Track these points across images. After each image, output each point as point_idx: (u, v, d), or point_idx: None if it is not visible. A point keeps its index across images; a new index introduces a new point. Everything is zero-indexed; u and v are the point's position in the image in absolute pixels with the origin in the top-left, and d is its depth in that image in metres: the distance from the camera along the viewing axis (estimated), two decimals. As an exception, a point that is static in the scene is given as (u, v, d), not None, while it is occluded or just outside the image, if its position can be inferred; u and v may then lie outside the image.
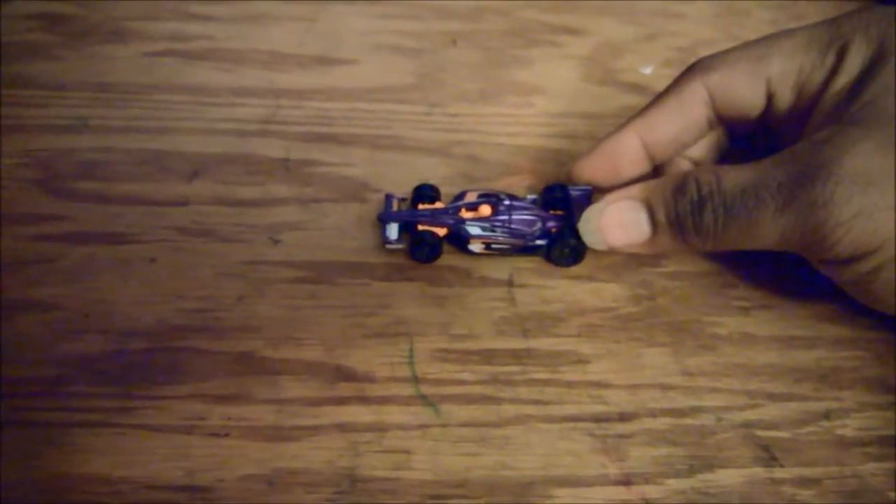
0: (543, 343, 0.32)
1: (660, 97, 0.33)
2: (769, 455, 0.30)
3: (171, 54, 0.45)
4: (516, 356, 0.32)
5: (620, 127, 0.34)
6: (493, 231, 0.34)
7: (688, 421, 0.30)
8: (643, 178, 0.34)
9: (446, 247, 0.35)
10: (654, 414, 0.30)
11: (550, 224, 0.35)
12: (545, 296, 0.34)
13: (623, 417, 0.30)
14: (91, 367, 0.30)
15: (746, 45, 0.32)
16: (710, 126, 0.33)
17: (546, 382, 0.31)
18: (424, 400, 0.30)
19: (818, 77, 0.30)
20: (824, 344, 0.34)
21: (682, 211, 0.29)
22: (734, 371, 0.32)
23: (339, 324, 0.32)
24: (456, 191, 0.36)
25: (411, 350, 0.31)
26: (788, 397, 0.32)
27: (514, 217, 0.34)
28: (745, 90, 0.32)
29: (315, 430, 0.29)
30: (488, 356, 0.32)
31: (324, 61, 0.46)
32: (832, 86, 0.30)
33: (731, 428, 0.30)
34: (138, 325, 0.31)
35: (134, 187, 0.37)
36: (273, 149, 0.40)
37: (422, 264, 0.35)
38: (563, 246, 0.34)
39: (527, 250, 0.35)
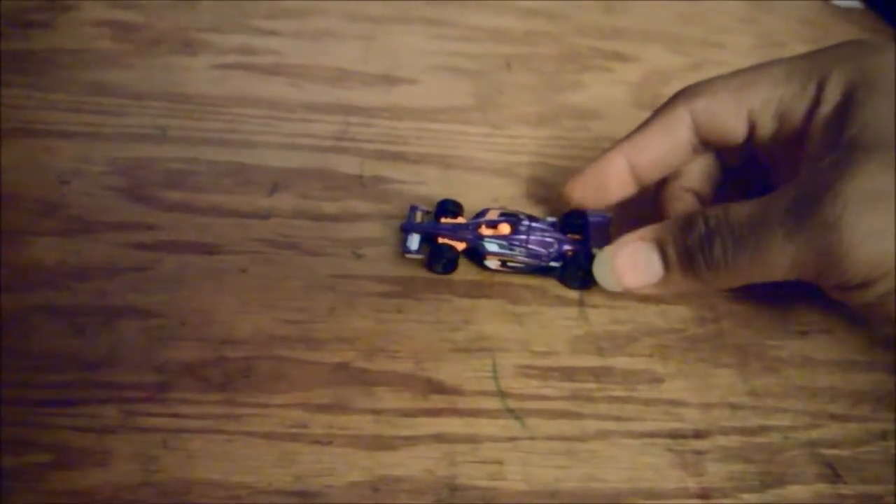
0: (618, 362, 0.34)
1: (646, 121, 0.35)
2: (833, 472, 0.31)
3: (240, 67, 0.47)
4: (594, 374, 0.33)
5: (608, 150, 0.36)
6: (510, 249, 0.36)
7: (757, 439, 0.32)
8: (629, 199, 0.37)
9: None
10: (725, 432, 0.32)
11: (566, 247, 0.36)
12: (616, 316, 0.36)
13: (698, 434, 0.32)
14: (194, 374, 0.31)
15: (730, 75, 0.34)
16: (695, 150, 0.35)
17: (623, 400, 0.32)
18: (512, 413, 0.31)
19: (800, 107, 0.32)
20: (881, 367, 0.35)
21: (692, 246, 0.30)
22: (797, 392, 0.34)
23: (426, 337, 0.33)
24: (525, 211, 0.38)
25: (495, 365, 0.33)
26: (848, 418, 0.33)
27: (531, 238, 0.36)
28: (727, 117, 0.33)
29: (413, 439, 0.30)
30: (568, 373, 0.33)
31: (387, 80, 0.48)
32: (818, 115, 0.31)
33: (797, 446, 0.32)
34: (235, 333, 0.32)
35: (219, 198, 0.38)
36: (348, 165, 0.41)
37: (497, 280, 0.37)
38: (575, 269, 0.36)
39: (541, 271, 0.36)
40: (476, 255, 0.36)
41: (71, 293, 0.33)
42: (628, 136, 0.36)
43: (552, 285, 0.37)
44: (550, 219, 0.38)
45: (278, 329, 0.33)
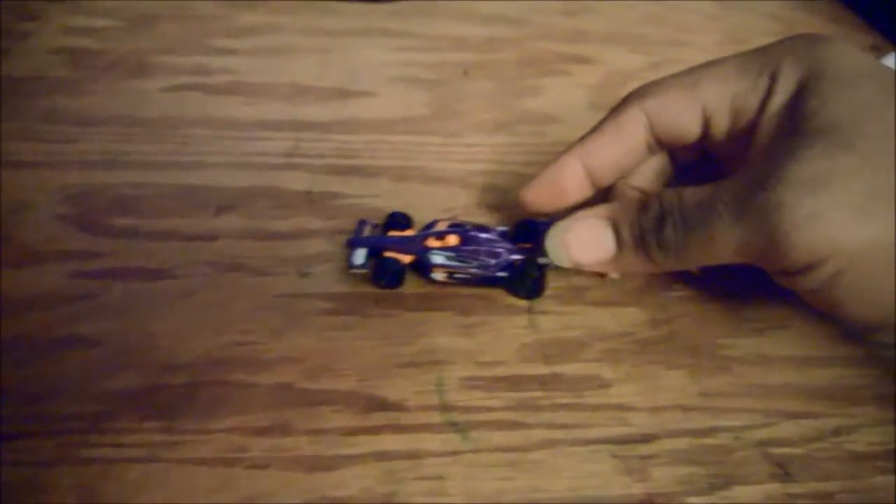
0: (566, 368, 0.34)
1: (600, 123, 0.35)
2: (784, 471, 0.31)
3: (195, 88, 0.47)
4: (541, 382, 0.33)
5: (562, 153, 0.35)
6: (457, 261, 0.35)
7: (707, 440, 0.32)
8: (587, 202, 0.36)
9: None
10: (674, 434, 0.32)
11: (515, 257, 0.36)
12: (566, 322, 0.35)
13: (645, 438, 0.31)
14: (135, 402, 0.31)
15: (683, 73, 0.34)
16: (650, 150, 0.35)
17: (570, 407, 0.32)
18: (455, 427, 0.31)
19: (753, 101, 0.32)
20: (837, 363, 0.35)
21: (646, 227, 0.30)
22: (750, 391, 0.33)
23: (372, 354, 0.33)
24: (478, 220, 0.38)
25: (441, 378, 0.33)
26: (802, 415, 0.33)
27: (479, 248, 0.36)
28: (680, 115, 0.33)
29: (353, 458, 0.30)
30: (514, 382, 0.33)
31: (343, 94, 0.48)
32: (769, 108, 0.31)
33: (748, 446, 0.31)
34: (179, 359, 0.32)
35: (166, 222, 0.38)
36: (297, 182, 0.41)
37: (450, 292, 0.37)
38: (523, 279, 0.36)
39: (489, 281, 0.36)
40: (422, 267, 0.36)
41: (16, 325, 0.33)
42: (582, 139, 0.35)
43: (501, 294, 0.36)
44: (502, 228, 0.38)
45: (222, 352, 0.33)
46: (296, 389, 0.32)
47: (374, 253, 0.36)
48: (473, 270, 0.35)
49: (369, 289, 0.36)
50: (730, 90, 0.32)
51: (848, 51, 0.31)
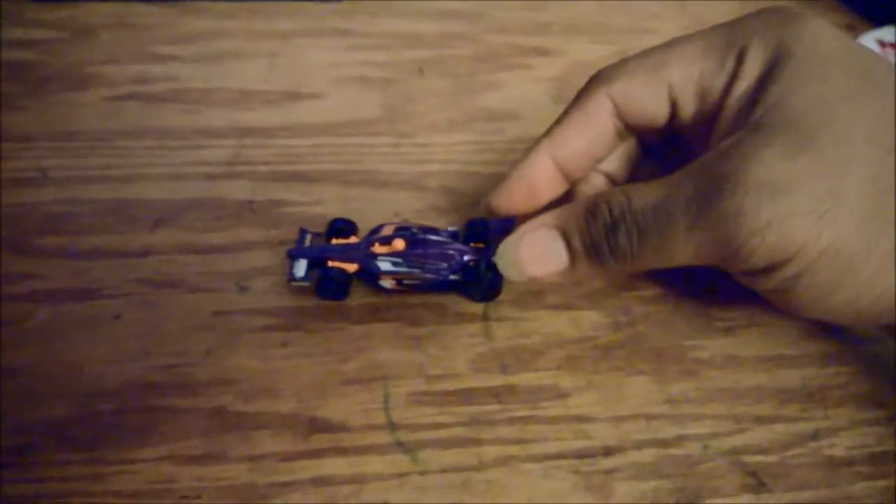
0: (523, 378, 0.32)
1: (565, 113, 0.33)
2: (757, 481, 0.29)
3: (134, 98, 0.45)
4: (495, 394, 0.31)
5: (529, 150, 0.33)
6: (405, 267, 0.33)
7: (673, 451, 0.30)
8: (563, 199, 0.34)
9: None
10: (638, 446, 0.30)
11: (467, 258, 0.34)
12: (523, 328, 0.33)
13: (607, 452, 0.29)
14: (59, 433, 0.29)
15: (645, 53, 0.32)
16: (620, 137, 0.33)
17: (527, 420, 0.30)
18: (402, 447, 0.29)
19: (719, 82, 0.30)
20: (811, 361, 0.33)
21: (597, 235, 0.28)
22: (719, 395, 0.32)
23: (313, 372, 0.31)
24: (432, 224, 0.36)
25: (387, 395, 0.31)
26: (775, 419, 0.31)
27: (428, 251, 0.33)
28: (647, 98, 0.31)
29: (291, 485, 0.28)
30: (467, 396, 0.31)
31: (289, 97, 0.46)
32: (734, 91, 0.29)
33: (717, 455, 0.30)
34: (106, 385, 0.30)
35: (98, 240, 0.36)
36: (239, 191, 0.39)
37: (391, 302, 0.35)
38: (477, 281, 0.34)
39: (441, 286, 0.34)
40: (369, 275, 0.34)
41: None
42: (548, 132, 0.33)
43: (453, 301, 0.34)
44: (452, 228, 0.36)
45: (151, 377, 0.31)
46: (230, 413, 0.30)
47: (317, 263, 0.34)
48: (424, 276, 0.33)
49: (313, 301, 0.34)
50: (696, 71, 0.30)
51: (822, 30, 0.29)
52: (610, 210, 0.28)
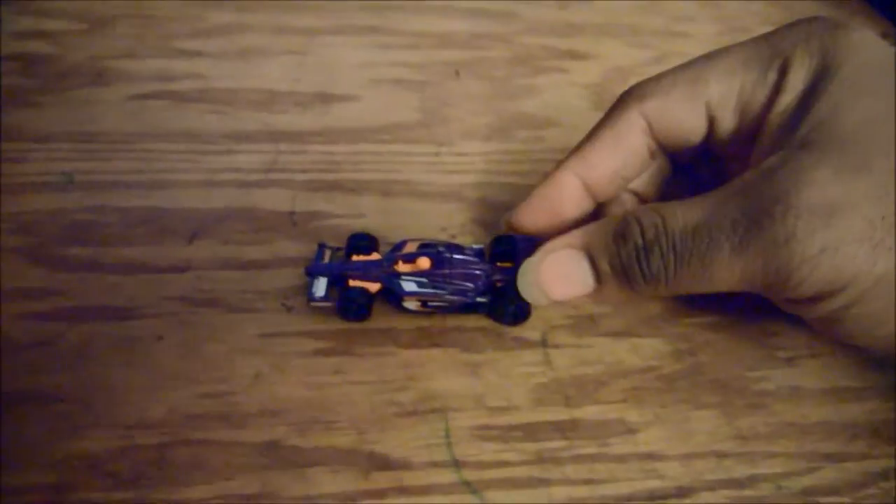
0: (587, 412, 0.30)
1: (595, 130, 0.31)
2: (834, 525, 0.27)
3: (159, 97, 0.43)
4: (560, 429, 0.29)
5: (556, 168, 0.31)
6: (431, 288, 0.31)
7: (747, 492, 0.28)
8: (587, 219, 0.32)
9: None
10: (711, 487, 0.28)
11: (495, 278, 0.32)
12: (583, 356, 0.32)
13: (681, 493, 0.28)
14: (99, 469, 0.27)
15: (682, 67, 0.30)
16: (652, 156, 0.31)
17: (594, 458, 0.29)
18: (468, 487, 0.27)
19: (760, 96, 0.28)
20: (874, 394, 0.32)
21: (627, 258, 0.27)
22: (787, 431, 0.30)
23: (368, 402, 0.30)
24: (473, 239, 0.34)
25: (447, 429, 0.29)
26: (845, 457, 0.30)
27: (454, 272, 0.31)
28: (683, 115, 0.30)
29: (353, 530, 0.26)
30: (531, 431, 0.29)
31: (321, 98, 0.44)
32: (777, 105, 0.28)
33: (791, 496, 0.28)
34: (148, 416, 0.28)
35: (131, 252, 0.34)
36: (276, 201, 0.37)
37: (442, 326, 0.33)
38: (506, 303, 0.32)
39: (468, 308, 0.32)
40: (392, 296, 0.32)
41: (-42, 379, 0.29)
42: (578, 150, 0.31)
43: (510, 327, 0.32)
44: (477, 246, 0.34)
45: (196, 406, 0.29)
46: (284, 448, 0.28)
47: (338, 282, 0.32)
48: (450, 297, 0.31)
49: (361, 323, 0.32)
50: (736, 85, 0.29)
51: (866, 41, 0.27)
52: (642, 231, 0.26)
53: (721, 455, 0.29)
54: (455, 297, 0.31)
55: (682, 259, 0.26)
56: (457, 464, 0.28)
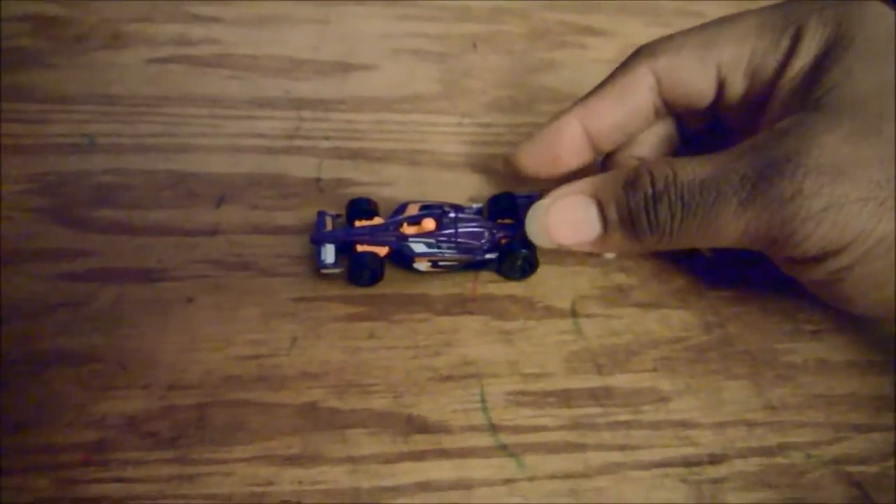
0: (620, 380, 0.30)
1: (604, 82, 0.32)
2: (862, 492, 0.28)
3: (177, 61, 0.42)
4: (594, 396, 0.30)
5: (561, 113, 0.32)
6: (438, 248, 0.32)
7: (778, 460, 0.29)
8: (585, 170, 0.32)
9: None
10: (743, 454, 0.29)
11: (499, 235, 0.32)
12: (613, 326, 0.32)
13: (714, 460, 0.28)
14: (138, 429, 0.27)
15: (695, 29, 0.30)
16: (657, 114, 0.32)
17: (629, 424, 0.29)
18: (506, 451, 0.28)
19: (772, 62, 0.29)
20: (899, 367, 0.32)
21: (636, 206, 0.27)
22: (815, 402, 0.31)
23: (404, 366, 0.30)
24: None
25: (483, 394, 0.29)
26: (872, 428, 0.30)
27: (460, 230, 0.32)
28: (694, 76, 0.30)
29: (396, 490, 0.26)
30: (565, 397, 0.29)
31: (343, 67, 0.43)
32: (788, 70, 0.28)
33: (821, 465, 0.29)
34: (184, 377, 0.28)
35: (158, 214, 0.34)
36: (302, 167, 0.37)
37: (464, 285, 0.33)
38: (514, 258, 0.32)
39: (476, 265, 0.33)
40: (402, 258, 0.32)
41: (-10, 338, 0.28)
42: (584, 99, 0.32)
43: (540, 295, 0.33)
44: (476, 205, 0.34)
45: (233, 368, 0.29)
46: (322, 409, 0.28)
47: (346, 248, 0.32)
48: (459, 256, 0.32)
49: (392, 289, 0.32)
50: (748, 49, 0.29)
51: (882, 12, 0.28)
52: (653, 181, 0.27)
53: (752, 424, 0.30)
54: (464, 256, 0.32)
55: (689, 210, 0.26)
56: (493, 428, 0.28)
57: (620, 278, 0.34)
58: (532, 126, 0.41)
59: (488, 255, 0.32)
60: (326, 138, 0.38)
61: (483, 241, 0.32)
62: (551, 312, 0.32)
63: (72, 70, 0.41)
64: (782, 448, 0.29)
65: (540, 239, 0.30)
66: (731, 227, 0.26)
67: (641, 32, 0.49)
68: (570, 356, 0.31)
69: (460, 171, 0.38)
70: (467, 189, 0.37)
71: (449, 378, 0.29)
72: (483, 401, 0.29)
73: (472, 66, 0.45)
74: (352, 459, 0.27)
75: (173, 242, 0.33)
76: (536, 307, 0.32)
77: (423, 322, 0.31)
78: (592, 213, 0.28)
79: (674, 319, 0.33)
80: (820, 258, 0.26)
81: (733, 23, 0.30)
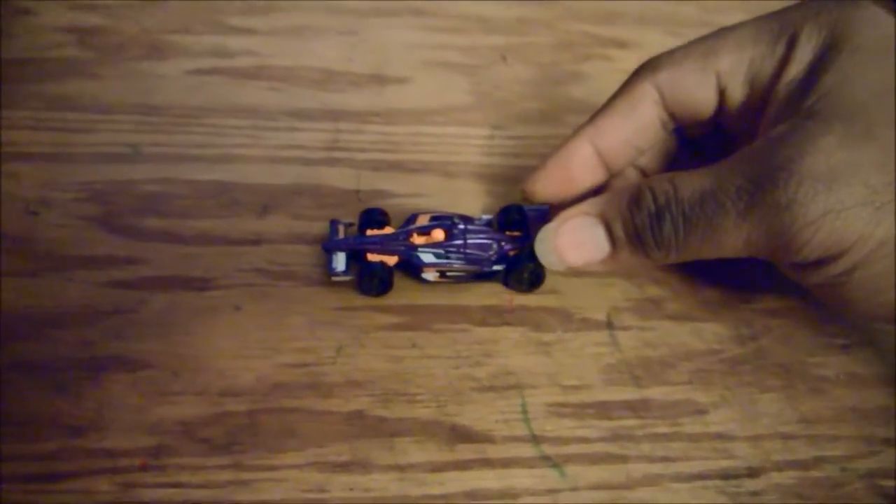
0: (657, 392, 0.31)
1: (610, 101, 0.32)
2: (895, 506, 0.28)
3: (216, 72, 0.43)
4: (633, 408, 0.30)
5: (571, 136, 0.33)
6: (447, 258, 0.32)
7: (813, 473, 0.30)
8: (600, 188, 0.33)
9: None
10: (779, 467, 0.29)
11: (507, 247, 0.33)
12: (647, 339, 0.33)
13: (751, 473, 0.29)
14: (193, 434, 0.28)
15: (694, 42, 0.31)
16: (664, 127, 0.32)
17: (668, 437, 0.30)
18: (549, 461, 0.28)
19: (769, 68, 0.29)
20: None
21: (641, 224, 0.28)
22: (848, 416, 0.32)
23: (446, 376, 0.30)
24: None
25: (524, 404, 0.30)
26: (902, 441, 0.30)
27: (469, 241, 0.32)
28: (695, 86, 0.31)
29: (445, 498, 0.27)
30: (604, 409, 0.30)
31: (376, 79, 0.44)
32: (784, 77, 0.29)
33: (856, 479, 0.30)
34: (236, 383, 0.29)
35: (204, 224, 0.35)
36: (341, 179, 0.38)
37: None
38: (521, 271, 0.33)
39: (484, 276, 0.33)
40: (411, 268, 0.33)
41: (48, 345, 0.30)
42: (592, 120, 0.33)
43: (575, 307, 0.34)
44: (486, 216, 0.35)
45: (282, 375, 0.30)
46: (369, 417, 0.29)
47: (356, 256, 0.33)
48: (467, 267, 0.32)
49: (434, 299, 0.33)
50: (746, 57, 0.30)
51: (876, 17, 0.28)
52: (654, 198, 0.27)
53: (787, 437, 0.30)
54: (472, 267, 0.33)
55: (691, 224, 0.27)
56: (535, 438, 0.29)
57: (653, 290, 0.35)
58: (561, 138, 0.41)
59: (496, 267, 0.33)
60: (362, 150, 0.39)
61: (491, 252, 0.33)
62: (587, 324, 0.33)
63: (114, 80, 0.42)
64: (817, 461, 0.30)
65: (550, 261, 0.30)
66: (732, 238, 0.26)
67: (663, 43, 0.50)
68: (607, 368, 0.32)
69: (494, 182, 0.39)
70: (501, 199, 0.37)
71: (490, 388, 0.30)
72: (524, 411, 0.30)
73: (502, 77, 0.46)
74: (399, 467, 0.28)
75: (219, 251, 0.34)
76: (573, 319, 0.33)
77: (463, 332, 0.32)
78: (600, 232, 0.29)
79: (707, 332, 0.33)
80: (821, 263, 0.26)
81: (732, 32, 0.30)
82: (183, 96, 0.41)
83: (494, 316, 0.33)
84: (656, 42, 0.51)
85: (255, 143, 0.39)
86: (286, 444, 0.28)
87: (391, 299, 0.33)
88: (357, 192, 0.37)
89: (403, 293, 0.33)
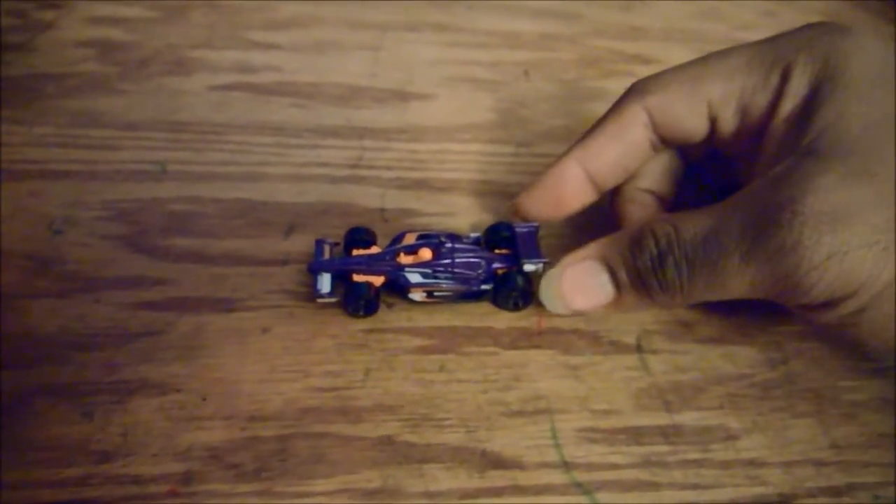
0: (688, 417, 0.31)
1: (599, 122, 0.32)
2: (929, 535, 0.28)
3: (241, 88, 0.43)
4: (664, 433, 0.30)
5: (560, 156, 0.32)
6: (434, 278, 0.32)
7: (845, 500, 0.29)
8: (610, 224, 0.33)
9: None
10: (812, 494, 0.29)
11: (496, 265, 0.33)
12: (678, 363, 0.32)
13: (784, 500, 0.29)
14: (222, 460, 0.27)
15: (684, 66, 0.31)
16: (654, 149, 0.32)
17: (700, 463, 0.29)
18: (581, 488, 0.28)
19: (762, 100, 0.29)
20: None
21: (644, 268, 0.27)
22: (880, 441, 0.31)
23: (475, 400, 0.30)
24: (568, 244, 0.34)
25: (554, 430, 0.30)
26: (936, 469, 0.30)
27: (456, 260, 0.32)
28: (683, 112, 0.30)
29: (477, 526, 0.26)
30: (635, 434, 0.30)
31: (400, 96, 0.44)
32: (780, 111, 0.28)
33: (888, 506, 0.29)
34: (265, 408, 0.29)
35: (230, 244, 0.34)
36: (367, 197, 0.38)
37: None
38: (509, 290, 0.33)
39: (472, 296, 0.33)
40: (398, 288, 0.32)
41: (75, 368, 0.29)
42: (581, 140, 0.32)
43: (605, 330, 0.33)
44: (474, 234, 0.35)
45: (311, 399, 0.29)
46: (399, 443, 0.29)
47: (342, 277, 0.32)
48: (454, 287, 0.32)
49: (461, 320, 0.33)
50: (737, 87, 0.29)
51: (869, 46, 0.28)
52: (656, 241, 0.27)
53: (819, 463, 0.30)
54: (459, 286, 0.32)
55: (694, 267, 0.26)
56: (566, 465, 0.29)
57: (683, 313, 0.34)
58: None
59: (484, 286, 0.32)
60: (388, 168, 0.39)
61: (479, 271, 0.32)
62: (617, 347, 0.33)
63: (138, 96, 0.42)
64: (850, 488, 0.29)
65: (555, 307, 0.30)
66: (737, 280, 0.26)
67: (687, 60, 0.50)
68: (637, 392, 0.31)
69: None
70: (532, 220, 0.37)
71: (520, 413, 0.30)
72: (555, 437, 0.29)
73: (526, 94, 0.45)
74: (429, 494, 0.27)
75: (247, 272, 0.33)
76: (602, 342, 0.33)
77: (492, 356, 0.32)
78: (604, 277, 0.29)
79: (738, 356, 0.33)
80: (829, 304, 0.26)
81: (720, 59, 0.30)
82: (208, 112, 0.41)
83: (523, 338, 0.33)
84: (681, 59, 0.49)
85: (280, 160, 0.39)
86: (316, 471, 0.28)
87: (418, 321, 0.32)
88: (382, 210, 0.37)
89: (430, 315, 0.33)
